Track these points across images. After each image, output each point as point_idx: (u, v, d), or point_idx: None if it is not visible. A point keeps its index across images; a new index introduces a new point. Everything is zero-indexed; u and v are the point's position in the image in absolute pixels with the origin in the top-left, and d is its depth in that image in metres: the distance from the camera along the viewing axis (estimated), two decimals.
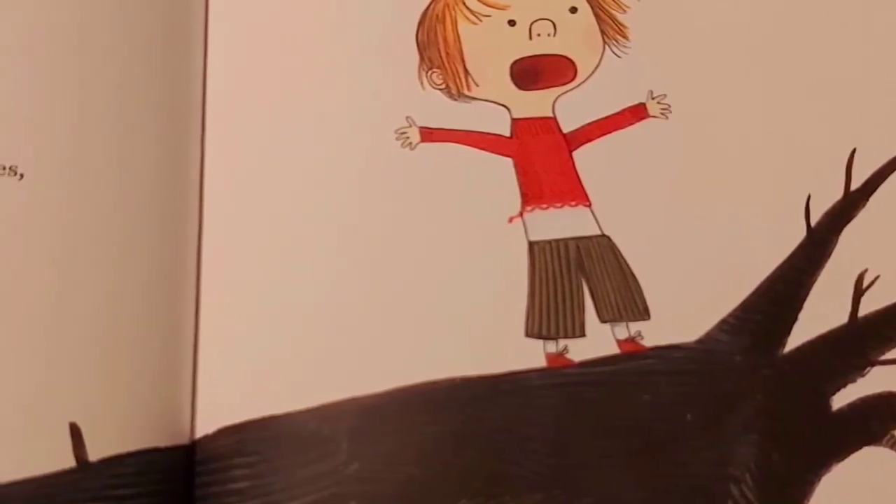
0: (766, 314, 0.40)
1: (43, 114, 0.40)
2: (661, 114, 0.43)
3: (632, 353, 0.40)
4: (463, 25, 0.44)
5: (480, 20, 0.44)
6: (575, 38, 0.44)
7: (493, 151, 0.42)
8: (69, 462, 0.37)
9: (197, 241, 0.41)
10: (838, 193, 0.41)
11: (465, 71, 0.43)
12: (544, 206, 0.42)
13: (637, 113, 0.43)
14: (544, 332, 0.40)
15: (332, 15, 0.44)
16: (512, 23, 0.44)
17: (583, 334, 0.40)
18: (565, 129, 0.43)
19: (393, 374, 0.39)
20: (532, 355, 0.40)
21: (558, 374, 0.39)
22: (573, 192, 0.42)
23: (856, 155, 0.42)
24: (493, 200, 0.41)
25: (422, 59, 0.44)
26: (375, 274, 0.40)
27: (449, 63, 0.44)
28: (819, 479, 0.38)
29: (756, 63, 0.43)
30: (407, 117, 0.43)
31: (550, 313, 0.40)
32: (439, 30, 0.44)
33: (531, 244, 0.41)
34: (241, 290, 0.41)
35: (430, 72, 0.44)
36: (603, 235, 0.41)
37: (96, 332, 0.38)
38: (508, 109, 0.43)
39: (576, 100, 0.43)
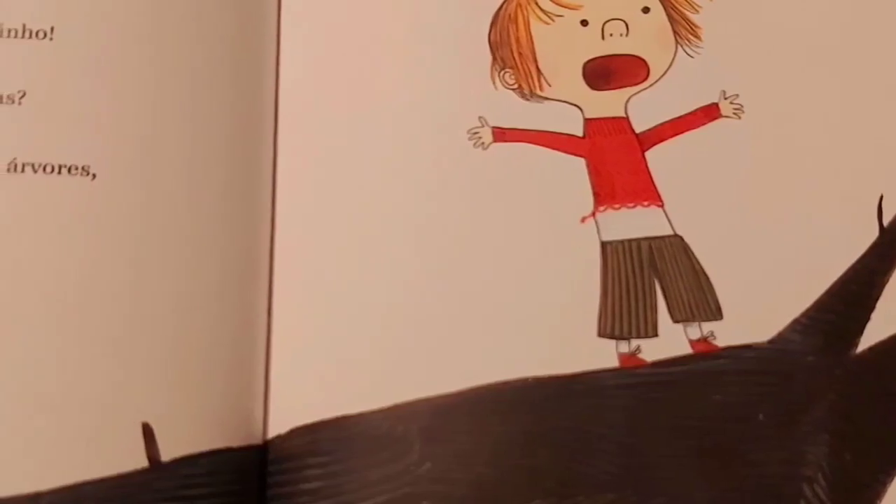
0: (839, 314, 0.40)
1: (115, 114, 0.40)
2: (734, 114, 0.42)
3: (704, 354, 0.39)
4: (535, 25, 0.44)
5: (553, 20, 0.44)
6: (647, 37, 0.44)
7: (565, 151, 0.42)
8: (142, 462, 0.37)
9: (270, 240, 0.41)
10: None
11: (538, 71, 0.43)
12: (617, 206, 0.41)
13: (709, 113, 0.42)
14: (617, 332, 0.40)
15: (404, 15, 0.44)
16: (584, 23, 0.44)
17: (655, 334, 0.40)
18: (637, 129, 0.42)
19: (465, 374, 0.39)
20: (604, 355, 0.39)
21: (631, 375, 0.39)
22: (646, 192, 0.42)
23: None
24: (566, 200, 0.41)
25: (494, 59, 0.44)
26: (448, 274, 0.40)
27: (521, 63, 0.43)
28: (891, 480, 0.38)
29: (828, 62, 0.43)
30: (480, 117, 0.43)
31: (623, 313, 0.40)
32: (512, 30, 0.44)
33: (604, 244, 0.41)
34: (314, 289, 0.41)
35: (502, 72, 0.43)
36: (675, 235, 0.41)
37: (169, 331, 0.38)
38: (581, 109, 0.43)
39: (648, 100, 0.43)
